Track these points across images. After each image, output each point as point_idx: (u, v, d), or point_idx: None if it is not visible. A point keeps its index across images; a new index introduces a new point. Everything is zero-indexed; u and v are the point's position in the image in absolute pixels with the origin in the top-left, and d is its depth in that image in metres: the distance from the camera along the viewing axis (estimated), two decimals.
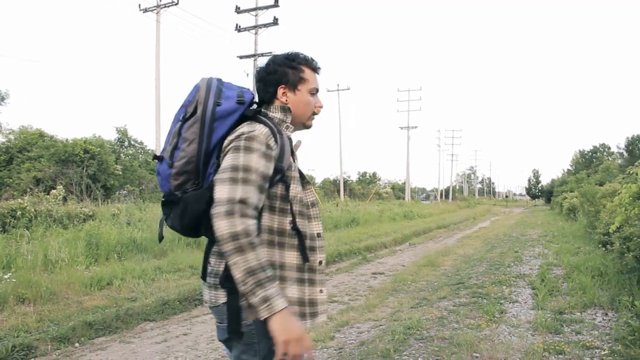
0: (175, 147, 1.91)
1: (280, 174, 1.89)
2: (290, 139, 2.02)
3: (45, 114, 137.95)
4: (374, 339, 5.13)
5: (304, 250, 1.92)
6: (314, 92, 2.09)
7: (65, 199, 14.52)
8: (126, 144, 25.14)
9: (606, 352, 4.53)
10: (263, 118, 1.95)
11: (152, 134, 27.35)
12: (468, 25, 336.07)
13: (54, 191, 14.19)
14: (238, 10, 27.13)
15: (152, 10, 27.57)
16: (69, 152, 19.15)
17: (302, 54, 2.10)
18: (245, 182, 1.75)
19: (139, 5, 27.57)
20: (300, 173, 2.01)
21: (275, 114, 2.03)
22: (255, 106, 2.06)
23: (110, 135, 27.28)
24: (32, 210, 11.08)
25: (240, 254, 1.65)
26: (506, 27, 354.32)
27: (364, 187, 54.53)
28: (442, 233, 20.13)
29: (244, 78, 27.55)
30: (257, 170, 1.79)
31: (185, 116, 1.92)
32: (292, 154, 2.01)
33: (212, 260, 1.90)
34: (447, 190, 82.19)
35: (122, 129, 24.77)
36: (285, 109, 2.04)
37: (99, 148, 20.00)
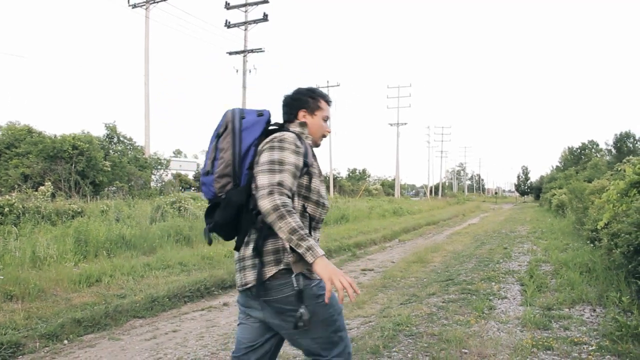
0: (214, 159, 2.39)
1: (306, 167, 2.40)
2: (310, 145, 2.55)
3: (34, 110, 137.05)
4: (364, 335, 5.14)
5: (309, 229, 2.41)
6: (325, 119, 2.68)
7: (53, 195, 14.39)
8: (115, 140, 24.82)
9: (594, 347, 4.57)
10: (287, 128, 2.52)
11: (142, 130, 27.17)
12: (458, 22, 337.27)
13: (42, 187, 14.10)
14: (228, 6, 27.04)
15: (141, 6, 27.44)
16: (57, 148, 18.96)
17: (319, 89, 2.74)
18: (280, 171, 2.25)
19: (128, 0, 27.43)
20: (320, 171, 2.54)
21: (294, 128, 2.56)
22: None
23: (99, 132, 26.96)
24: (20, 206, 11.00)
25: (282, 219, 2.12)
26: (496, 24, 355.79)
27: (354, 183, 54.55)
28: (432, 229, 20.20)
29: (233, 74, 27.55)
30: (289, 162, 2.29)
31: (219, 134, 2.42)
32: (314, 156, 2.54)
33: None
34: (436, 187, 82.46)
35: (111, 125, 24.47)
36: (302, 124, 2.59)
37: (87, 144, 19.79)
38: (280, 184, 2.20)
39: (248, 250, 2.37)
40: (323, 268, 2.13)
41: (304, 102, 2.62)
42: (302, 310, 2.24)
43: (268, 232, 2.27)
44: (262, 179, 2.23)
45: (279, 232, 2.14)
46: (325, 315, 2.38)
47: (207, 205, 2.48)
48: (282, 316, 2.35)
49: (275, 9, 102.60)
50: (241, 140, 2.37)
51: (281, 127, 2.54)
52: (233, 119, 2.41)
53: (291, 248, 2.18)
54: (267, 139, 2.38)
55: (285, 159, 2.29)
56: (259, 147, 2.38)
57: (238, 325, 2.58)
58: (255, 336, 2.49)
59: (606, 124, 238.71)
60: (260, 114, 2.47)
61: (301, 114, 2.61)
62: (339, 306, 2.46)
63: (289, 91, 2.69)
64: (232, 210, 2.32)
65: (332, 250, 11.69)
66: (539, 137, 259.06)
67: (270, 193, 2.16)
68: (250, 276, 2.35)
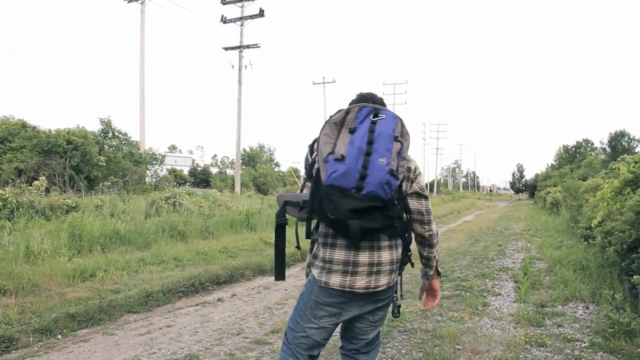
0: (399, 165, 2.24)
1: None
2: None
3: (28, 104, 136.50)
4: None
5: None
6: None
7: (48, 190, 14.32)
8: (110, 135, 24.70)
9: (586, 344, 4.59)
10: None
11: (137, 125, 27.13)
12: (454, 19, 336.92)
13: (36, 182, 14.01)
14: (224, 1, 27.00)
15: (137, 1, 27.34)
16: (51, 143, 18.85)
17: None
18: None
19: None
20: None
21: None
22: None
23: (94, 126, 26.95)
24: (14, 201, 10.94)
25: (438, 243, 2.61)
26: (492, 22, 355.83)
27: None
28: None
29: (229, 69, 27.50)
30: None
31: (399, 141, 2.25)
32: None
33: (395, 253, 2.46)
34: (431, 184, 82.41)
35: (106, 120, 24.36)
36: None
37: (82, 139, 19.69)
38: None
39: (384, 255, 2.42)
40: (439, 284, 2.78)
41: None
42: (399, 298, 2.63)
43: (407, 242, 2.52)
44: (429, 204, 2.51)
45: (434, 251, 2.60)
46: None
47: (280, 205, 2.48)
48: (381, 308, 2.56)
49: (271, 5, 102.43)
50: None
51: None
52: (409, 134, 2.34)
53: (424, 263, 2.66)
54: (415, 163, 2.50)
55: None
56: (411, 167, 2.47)
57: (316, 329, 2.51)
58: (330, 334, 2.59)
59: (601, 122, 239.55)
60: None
61: None
62: None
63: (375, 94, 2.60)
64: (397, 215, 2.37)
65: None
66: (534, 135, 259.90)
67: (433, 220, 2.56)
68: (384, 280, 2.44)
